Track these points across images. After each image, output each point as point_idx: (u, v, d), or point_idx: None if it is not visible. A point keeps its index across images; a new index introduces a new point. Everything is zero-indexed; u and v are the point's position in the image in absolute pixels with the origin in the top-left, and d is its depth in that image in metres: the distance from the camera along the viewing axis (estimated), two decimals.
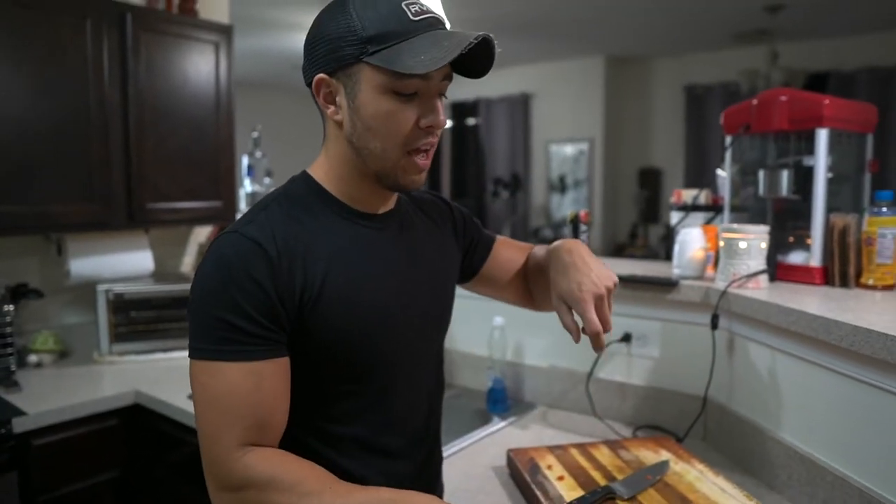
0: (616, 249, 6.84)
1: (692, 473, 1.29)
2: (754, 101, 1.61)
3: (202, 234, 2.88)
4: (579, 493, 1.21)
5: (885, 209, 1.42)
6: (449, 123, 8.28)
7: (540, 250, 1.21)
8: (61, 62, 2.10)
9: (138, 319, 2.36)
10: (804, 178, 1.54)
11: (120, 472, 2.01)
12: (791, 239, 1.62)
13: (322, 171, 0.98)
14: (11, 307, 2.12)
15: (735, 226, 1.50)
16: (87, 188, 2.19)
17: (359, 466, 0.94)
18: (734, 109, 1.69)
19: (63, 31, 2.10)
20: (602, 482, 1.25)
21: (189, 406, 1.85)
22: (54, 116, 2.10)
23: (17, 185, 2.03)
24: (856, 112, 1.56)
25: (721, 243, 1.52)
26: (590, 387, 1.75)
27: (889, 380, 1.06)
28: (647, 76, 6.98)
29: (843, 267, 1.48)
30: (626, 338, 1.73)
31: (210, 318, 0.85)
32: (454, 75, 0.94)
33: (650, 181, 6.96)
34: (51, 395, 1.95)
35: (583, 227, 1.83)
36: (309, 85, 0.93)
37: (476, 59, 0.90)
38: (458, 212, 1.21)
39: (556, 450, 1.42)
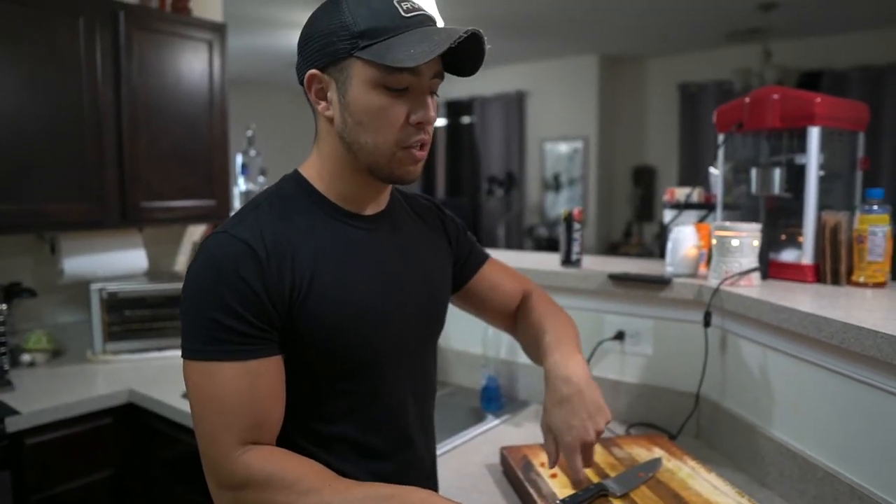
0: (610, 247, 6.85)
1: (684, 470, 1.30)
2: (747, 100, 1.61)
3: (196, 232, 2.87)
4: (572, 490, 1.21)
5: (875, 207, 1.43)
6: (444, 122, 8.25)
7: (537, 308, 1.20)
8: (54, 60, 2.09)
9: (132, 318, 2.35)
10: (796, 176, 1.55)
11: (114, 471, 2.00)
12: (783, 237, 1.63)
13: (314, 169, 0.98)
14: (4, 306, 2.12)
15: (728, 224, 1.51)
16: (81, 187, 2.18)
17: (348, 466, 0.94)
18: (727, 108, 1.69)
19: (56, 30, 2.09)
20: (595, 479, 1.26)
21: (183, 405, 1.85)
22: (47, 115, 2.09)
23: (9, 184, 2.03)
24: (847, 110, 1.56)
25: (714, 241, 1.53)
26: None
27: (879, 376, 1.06)
28: (642, 75, 6.99)
29: (835, 265, 1.49)
30: (620, 336, 1.74)
31: (201, 319, 0.86)
32: (447, 75, 0.95)
33: (644, 179, 6.97)
34: (44, 395, 1.94)
35: (576, 226, 1.83)
36: (302, 82, 0.94)
37: (467, 57, 0.91)
38: (452, 221, 1.20)
39: None
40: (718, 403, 1.53)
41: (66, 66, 2.12)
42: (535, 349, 1.16)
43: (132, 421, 2.02)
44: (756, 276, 1.49)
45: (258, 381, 0.87)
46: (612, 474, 1.28)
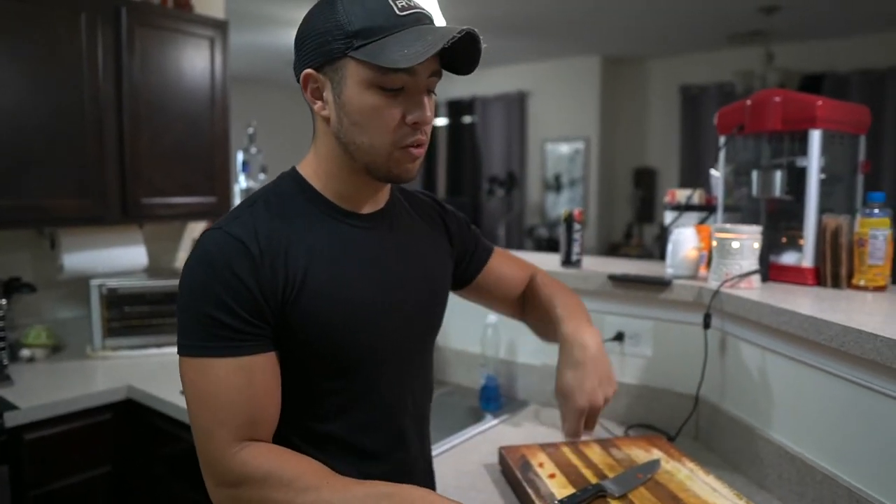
0: (611, 249, 6.85)
1: (683, 472, 1.30)
2: (748, 102, 1.61)
3: (196, 229, 2.87)
4: (570, 490, 1.21)
5: (876, 210, 1.43)
6: (444, 121, 8.25)
7: (545, 287, 1.22)
8: (56, 56, 2.09)
9: (132, 314, 2.35)
10: (797, 179, 1.55)
11: (112, 467, 2.00)
12: (784, 239, 1.63)
13: (311, 168, 0.98)
14: (4, 301, 2.12)
15: (728, 226, 1.51)
16: (82, 182, 2.18)
17: (341, 466, 0.93)
18: (728, 110, 1.69)
19: (58, 26, 2.09)
20: (593, 480, 1.26)
21: (182, 401, 1.85)
22: (48, 110, 2.09)
23: (10, 179, 2.03)
24: (849, 113, 1.56)
25: (714, 243, 1.53)
26: None
27: (878, 380, 1.06)
28: (643, 76, 6.99)
29: (835, 268, 1.49)
30: (619, 337, 1.74)
31: (197, 315, 0.86)
32: (447, 74, 0.94)
33: (645, 181, 6.97)
34: (43, 390, 1.95)
35: (577, 227, 1.83)
36: (299, 81, 0.93)
37: (463, 55, 0.90)
38: (454, 218, 1.19)
39: (548, 448, 1.43)
40: (717, 405, 1.53)
41: (68, 62, 2.12)
42: (546, 323, 1.17)
43: (131, 417, 2.02)
44: (756, 278, 1.49)
45: (254, 377, 0.87)
46: (611, 475, 1.28)
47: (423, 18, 0.89)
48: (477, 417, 1.81)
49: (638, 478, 1.25)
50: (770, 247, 1.60)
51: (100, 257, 2.38)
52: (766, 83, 5.21)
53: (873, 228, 1.43)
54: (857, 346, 1.07)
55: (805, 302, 1.33)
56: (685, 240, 1.64)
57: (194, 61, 2.47)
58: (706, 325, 1.50)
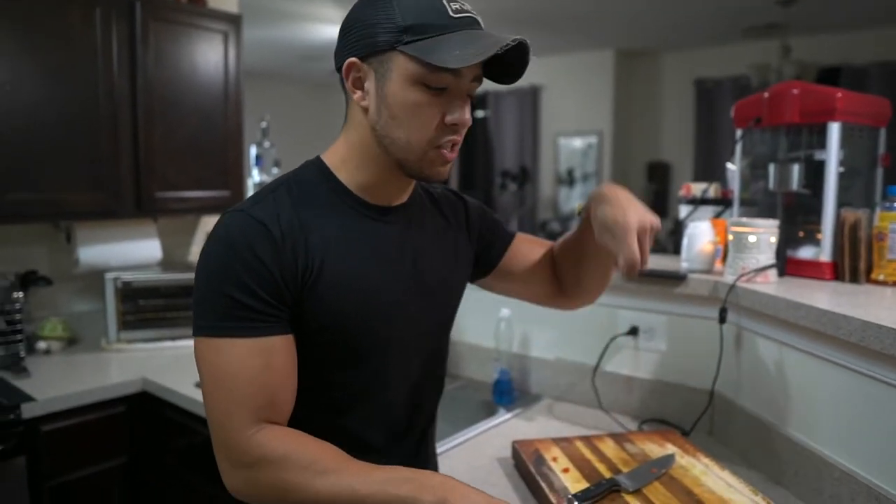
0: None
1: (698, 467, 1.29)
2: (766, 95, 1.59)
3: (210, 223, 2.89)
4: (584, 485, 1.21)
5: None
6: None
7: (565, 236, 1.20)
8: (71, 51, 2.11)
9: (146, 308, 2.37)
10: (815, 173, 1.53)
11: (127, 459, 2.02)
12: (801, 233, 1.61)
13: (338, 156, 0.98)
14: (21, 294, 2.14)
15: (744, 220, 1.49)
16: (96, 177, 2.19)
17: None
18: (745, 102, 1.67)
19: (72, 20, 2.10)
20: (607, 475, 1.25)
21: (196, 394, 1.86)
22: (63, 105, 2.10)
23: (26, 173, 2.04)
24: (868, 106, 1.54)
25: (730, 237, 1.51)
26: (596, 380, 1.75)
27: None
28: (657, 70, 6.93)
29: (854, 262, 1.47)
30: (634, 331, 1.73)
31: (216, 295, 0.86)
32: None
33: (659, 175, 6.92)
34: (59, 382, 1.96)
35: None
36: (339, 69, 0.93)
37: (509, 64, 0.91)
38: (475, 209, 1.19)
39: (562, 442, 1.42)
40: (733, 400, 1.52)
41: (82, 56, 2.13)
42: (577, 246, 1.16)
43: (145, 409, 2.04)
44: (773, 272, 1.47)
45: (272, 359, 0.87)
46: (625, 470, 1.27)
47: (475, 23, 0.90)
48: (490, 411, 1.80)
49: (652, 472, 1.25)
50: (787, 241, 1.58)
51: (115, 251, 2.40)
52: (782, 76, 5.15)
53: (893, 222, 1.40)
54: (877, 340, 1.05)
55: (823, 296, 1.32)
56: (701, 233, 1.62)
57: (208, 56, 2.47)
58: (722, 319, 1.48)
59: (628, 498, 1.17)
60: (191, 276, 2.40)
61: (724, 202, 1.78)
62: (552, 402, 1.85)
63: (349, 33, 0.91)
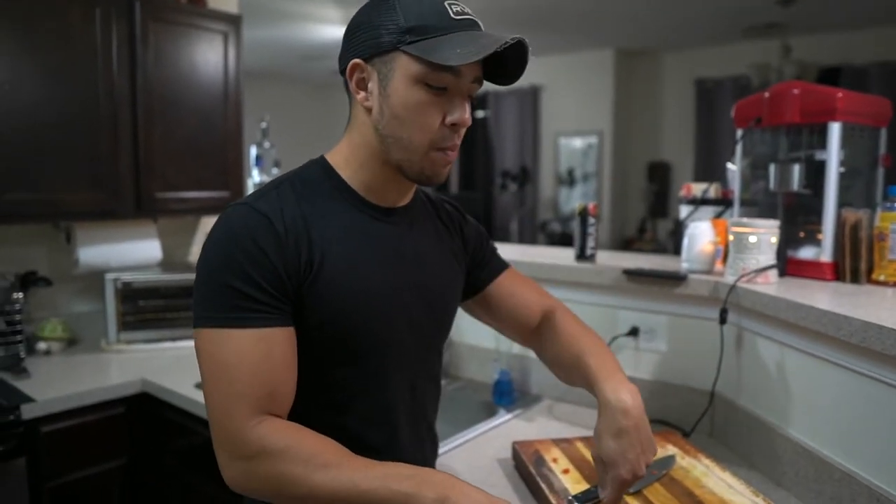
0: (624, 243, 6.81)
1: (699, 468, 1.29)
2: (766, 94, 1.59)
3: (210, 223, 2.88)
4: (584, 486, 1.20)
5: None
6: None
7: (568, 326, 1.17)
8: (70, 51, 2.10)
9: (146, 308, 2.37)
10: (816, 173, 1.52)
11: (126, 460, 2.02)
12: (802, 234, 1.60)
13: (341, 156, 0.99)
14: (20, 295, 2.13)
15: (745, 220, 1.49)
16: (96, 177, 2.19)
17: None
18: (746, 102, 1.67)
19: (72, 20, 2.10)
20: None
21: (196, 395, 1.86)
22: (63, 105, 2.10)
23: (26, 173, 2.04)
24: (869, 106, 1.54)
25: (731, 237, 1.51)
26: None
27: None
28: (657, 70, 6.93)
29: (855, 263, 1.46)
30: (634, 332, 1.72)
31: (219, 286, 0.86)
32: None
33: (659, 175, 6.92)
34: (59, 383, 1.96)
35: (591, 221, 1.82)
36: (343, 71, 0.95)
37: (508, 65, 0.93)
38: (472, 226, 1.20)
39: (562, 443, 1.42)
40: (733, 401, 1.51)
41: (82, 56, 2.13)
42: (573, 371, 1.12)
43: (145, 410, 2.03)
44: (773, 273, 1.47)
45: (273, 350, 0.87)
46: None
47: (475, 25, 0.92)
48: (490, 412, 1.80)
49: (653, 474, 1.24)
50: (787, 241, 1.57)
51: (114, 251, 2.40)
52: (783, 76, 5.15)
53: (894, 223, 1.40)
54: (878, 341, 1.05)
55: (824, 297, 1.31)
56: (701, 234, 1.62)
57: (208, 56, 2.47)
58: (722, 320, 1.48)
59: (629, 499, 1.16)
60: (191, 276, 2.40)
61: (724, 202, 1.78)
62: (552, 402, 1.85)
63: (353, 36, 0.93)
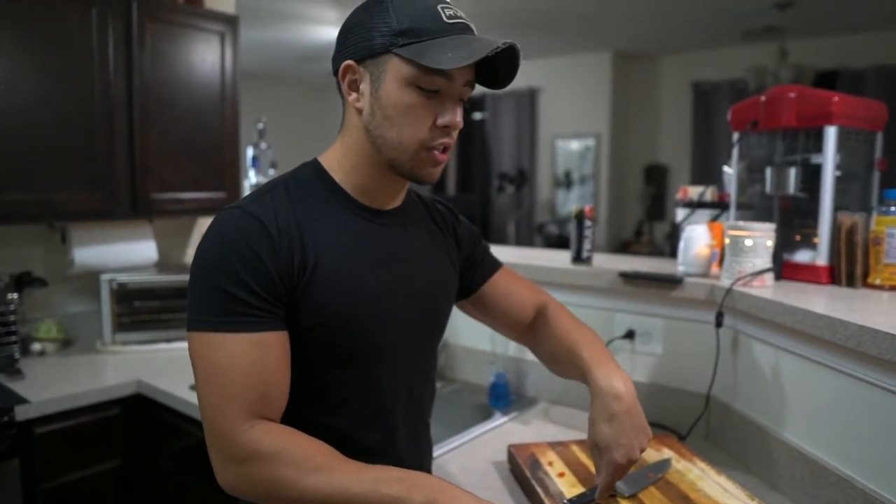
0: (621, 246, 6.82)
1: (694, 472, 1.29)
2: (762, 98, 1.59)
3: (206, 224, 2.87)
4: (580, 489, 1.20)
5: (893, 208, 1.41)
6: None
7: (560, 320, 1.18)
8: (66, 51, 2.10)
9: (141, 309, 2.36)
10: (812, 176, 1.52)
11: (122, 462, 2.01)
12: (798, 237, 1.61)
13: (335, 158, 0.99)
14: (15, 295, 2.13)
15: (741, 223, 1.49)
16: (92, 177, 2.18)
17: None
18: (742, 106, 1.67)
19: (68, 20, 2.09)
20: None
21: (190, 396, 1.86)
22: (59, 105, 2.09)
23: (21, 174, 2.03)
24: (865, 109, 1.54)
25: (727, 241, 1.51)
26: None
27: (895, 380, 1.04)
28: (655, 72, 6.94)
29: (850, 266, 1.47)
30: (630, 334, 1.72)
31: (212, 290, 0.86)
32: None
33: (656, 178, 6.94)
34: (53, 384, 1.95)
35: (588, 223, 1.82)
36: (336, 72, 0.96)
37: (500, 68, 0.94)
38: (465, 226, 1.21)
39: (558, 446, 1.42)
40: (729, 405, 1.51)
41: (78, 56, 2.12)
42: (564, 361, 1.13)
43: (140, 412, 2.03)
44: (769, 276, 1.47)
45: (266, 354, 0.87)
46: None
47: (467, 29, 0.93)
48: (486, 415, 1.80)
49: (648, 477, 1.24)
50: (783, 244, 1.58)
51: (110, 252, 2.39)
52: (780, 79, 5.16)
53: (890, 227, 1.40)
54: (873, 345, 1.05)
55: (819, 301, 1.32)
56: (697, 237, 1.62)
57: (204, 56, 2.47)
58: (718, 323, 1.48)
59: (624, 503, 1.16)
60: (186, 277, 2.40)
61: (720, 205, 1.78)
62: (548, 405, 1.85)
63: (346, 37, 0.94)
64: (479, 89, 0.97)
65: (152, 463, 2.05)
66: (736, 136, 1.68)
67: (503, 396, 1.85)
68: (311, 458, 0.83)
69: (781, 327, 1.30)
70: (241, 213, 0.89)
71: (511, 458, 1.41)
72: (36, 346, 2.24)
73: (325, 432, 0.93)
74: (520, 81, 7.77)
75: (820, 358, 1.21)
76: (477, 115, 7.89)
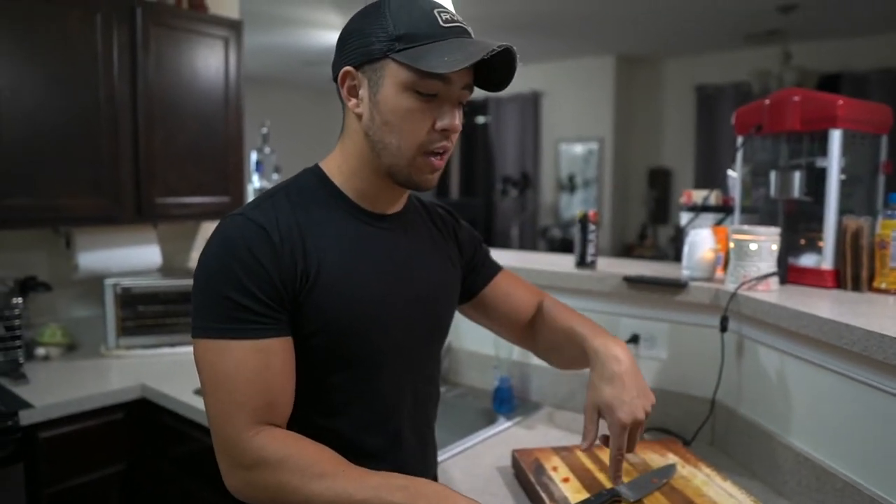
0: (625, 250, 6.80)
1: (699, 477, 1.28)
2: (767, 102, 1.59)
3: (210, 229, 2.88)
4: (584, 495, 1.20)
5: None
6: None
7: (557, 310, 1.19)
8: (71, 56, 2.10)
9: (146, 314, 2.36)
10: (817, 180, 1.52)
11: (125, 466, 2.01)
12: (802, 241, 1.60)
13: (335, 164, 1.00)
14: (20, 300, 2.13)
15: (746, 227, 1.48)
16: (96, 182, 2.19)
17: None
18: (746, 109, 1.67)
19: (73, 25, 2.10)
20: (608, 485, 1.24)
21: (194, 401, 1.86)
22: (63, 110, 2.10)
23: (26, 179, 2.04)
24: (870, 113, 1.54)
25: (731, 245, 1.51)
26: None
27: None
28: (658, 76, 6.94)
29: (856, 270, 1.46)
30: (634, 339, 1.72)
31: (216, 297, 0.87)
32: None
33: (660, 181, 6.93)
34: (58, 388, 1.95)
35: (591, 227, 1.82)
36: (335, 78, 0.96)
37: (497, 72, 0.94)
38: (466, 230, 1.21)
39: (562, 451, 1.41)
40: (734, 410, 1.51)
41: (83, 61, 2.13)
42: (566, 344, 1.14)
43: (144, 416, 2.03)
44: (774, 280, 1.47)
45: (271, 360, 0.88)
46: (626, 479, 1.26)
47: (464, 32, 0.93)
48: (490, 419, 1.79)
49: (653, 482, 1.24)
50: (788, 249, 1.57)
51: (114, 257, 2.39)
52: (783, 83, 5.15)
53: (895, 230, 1.40)
54: (879, 350, 1.04)
55: (825, 305, 1.31)
56: (702, 241, 1.62)
57: (209, 61, 2.47)
58: (723, 327, 1.47)
59: None
60: (190, 282, 2.40)
61: (725, 209, 1.78)
62: (553, 410, 1.84)
63: (345, 44, 0.95)
64: (481, 93, 0.97)
65: (156, 467, 2.05)
66: (740, 139, 1.68)
67: (507, 401, 1.85)
68: (316, 465, 0.84)
69: (786, 332, 1.30)
70: (244, 221, 0.90)
71: (515, 464, 1.41)
72: (40, 351, 2.25)
73: (327, 436, 0.93)
74: (523, 85, 7.76)
75: (825, 362, 1.21)
76: (480, 119, 7.89)
